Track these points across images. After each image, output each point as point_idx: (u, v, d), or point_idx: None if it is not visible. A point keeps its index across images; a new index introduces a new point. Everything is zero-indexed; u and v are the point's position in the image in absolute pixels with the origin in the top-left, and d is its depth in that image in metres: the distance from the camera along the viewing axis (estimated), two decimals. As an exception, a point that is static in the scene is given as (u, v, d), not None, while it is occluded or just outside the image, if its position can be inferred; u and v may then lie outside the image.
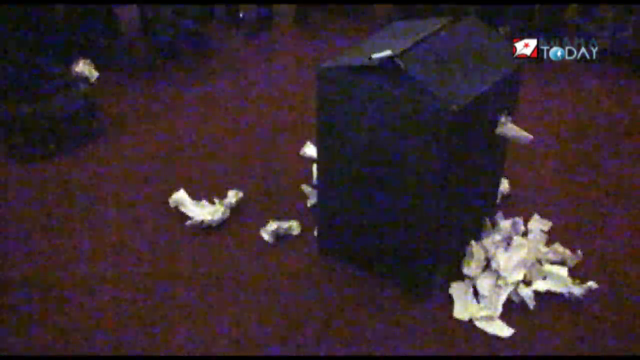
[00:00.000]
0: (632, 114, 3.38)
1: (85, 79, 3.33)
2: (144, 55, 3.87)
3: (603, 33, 3.80)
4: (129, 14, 4.07)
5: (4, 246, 2.42)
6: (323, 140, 2.14)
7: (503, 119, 2.04)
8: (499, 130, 2.05)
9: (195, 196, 2.63)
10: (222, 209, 2.53)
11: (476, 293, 2.20)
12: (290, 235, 2.46)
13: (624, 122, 3.30)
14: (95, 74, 3.48)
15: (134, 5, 3.97)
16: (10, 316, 2.12)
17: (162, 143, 3.08)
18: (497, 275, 2.21)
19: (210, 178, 2.81)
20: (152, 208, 2.62)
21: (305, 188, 2.67)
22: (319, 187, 2.30)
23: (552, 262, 2.31)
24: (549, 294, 2.18)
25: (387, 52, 1.83)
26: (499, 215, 2.48)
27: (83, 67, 3.46)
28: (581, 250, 2.31)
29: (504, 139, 2.12)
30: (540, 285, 2.20)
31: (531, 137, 2.03)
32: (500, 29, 3.77)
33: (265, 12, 4.25)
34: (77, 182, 2.79)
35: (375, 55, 1.83)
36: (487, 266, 2.26)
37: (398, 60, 1.81)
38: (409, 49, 1.88)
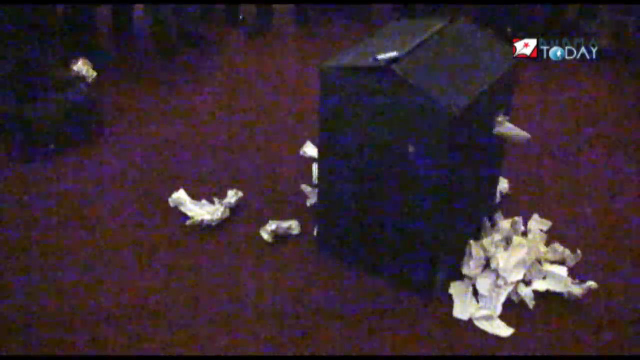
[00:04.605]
0: (632, 113, 3.38)
1: (83, 78, 3.32)
2: (147, 55, 3.87)
3: (603, 33, 3.80)
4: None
5: (4, 246, 2.42)
6: (324, 140, 2.14)
7: (500, 119, 2.04)
8: (497, 130, 2.05)
9: (195, 196, 2.63)
10: (222, 209, 2.53)
11: (476, 293, 2.20)
12: (290, 235, 2.46)
13: (624, 122, 3.30)
14: (93, 73, 3.48)
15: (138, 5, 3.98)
16: (9, 316, 2.12)
17: (162, 143, 3.08)
18: (497, 275, 2.21)
19: (210, 178, 2.81)
20: (152, 208, 2.62)
21: (305, 188, 2.67)
22: (319, 187, 2.30)
23: (552, 262, 2.31)
24: (549, 294, 2.18)
25: (394, 54, 1.83)
26: (499, 215, 2.48)
27: (81, 66, 3.45)
28: (581, 250, 2.31)
29: (503, 139, 2.12)
30: (540, 285, 2.20)
31: (529, 136, 2.03)
32: (509, 29, 3.77)
33: (265, 12, 4.25)
34: (77, 182, 2.78)
35: (381, 57, 1.83)
36: (487, 266, 2.26)
37: (394, 67, 1.81)
38: (409, 52, 1.89)
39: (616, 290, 2.22)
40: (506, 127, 2.04)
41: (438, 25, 2.08)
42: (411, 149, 1.90)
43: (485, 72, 1.99)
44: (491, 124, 2.04)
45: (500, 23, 3.79)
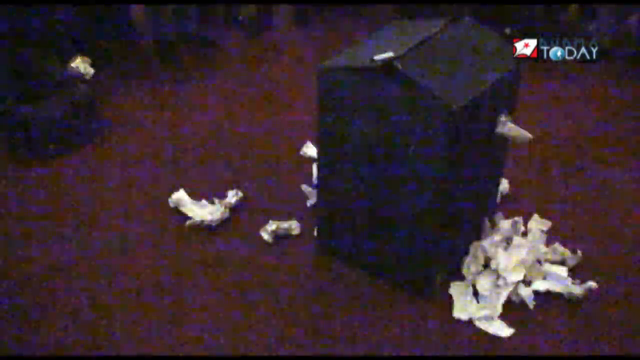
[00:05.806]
0: (632, 113, 3.38)
1: (82, 76, 3.31)
2: (147, 55, 3.88)
3: (603, 33, 3.80)
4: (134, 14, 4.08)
5: (4, 247, 2.42)
6: (323, 140, 2.14)
7: (503, 119, 2.04)
8: (499, 129, 2.05)
9: (195, 196, 2.63)
10: (222, 209, 2.53)
11: (476, 293, 2.19)
12: (290, 235, 2.46)
13: (623, 122, 3.30)
14: (90, 71, 3.46)
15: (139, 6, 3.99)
16: (10, 316, 2.12)
17: (162, 143, 3.08)
18: (497, 275, 2.21)
19: (210, 178, 2.81)
20: (152, 208, 2.62)
21: (305, 188, 2.67)
22: (319, 187, 2.30)
23: (552, 262, 2.31)
24: (548, 294, 2.18)
25: (389, 54, 1.83)
26: (499, 215, 2.47)
27: (78, 64, 3.43)
28: (581, 250, 2.31)
29: (504, 139, 2.12)
30: (540, 285, 2.20)
31: (530, 136, 2.03)
32: (507, 29, 3.77)
33: (264, 12, 4.25)
34: (77, 182, 2.79)
35: (377, 57, 1.83)
36: (487, 266, 2.26)
37: (397, 63, 1.81)
38: (410, 50, 1.89)
39: (616, 290, 2.22)
40: (508, 127, 2.03)
41: (439, 24, 2.08)
42: (411, 148, 1.90)
43: (488, 71, 1.99)
44: (493, 123, 2.04)
45: (500, 23, 3.79)
